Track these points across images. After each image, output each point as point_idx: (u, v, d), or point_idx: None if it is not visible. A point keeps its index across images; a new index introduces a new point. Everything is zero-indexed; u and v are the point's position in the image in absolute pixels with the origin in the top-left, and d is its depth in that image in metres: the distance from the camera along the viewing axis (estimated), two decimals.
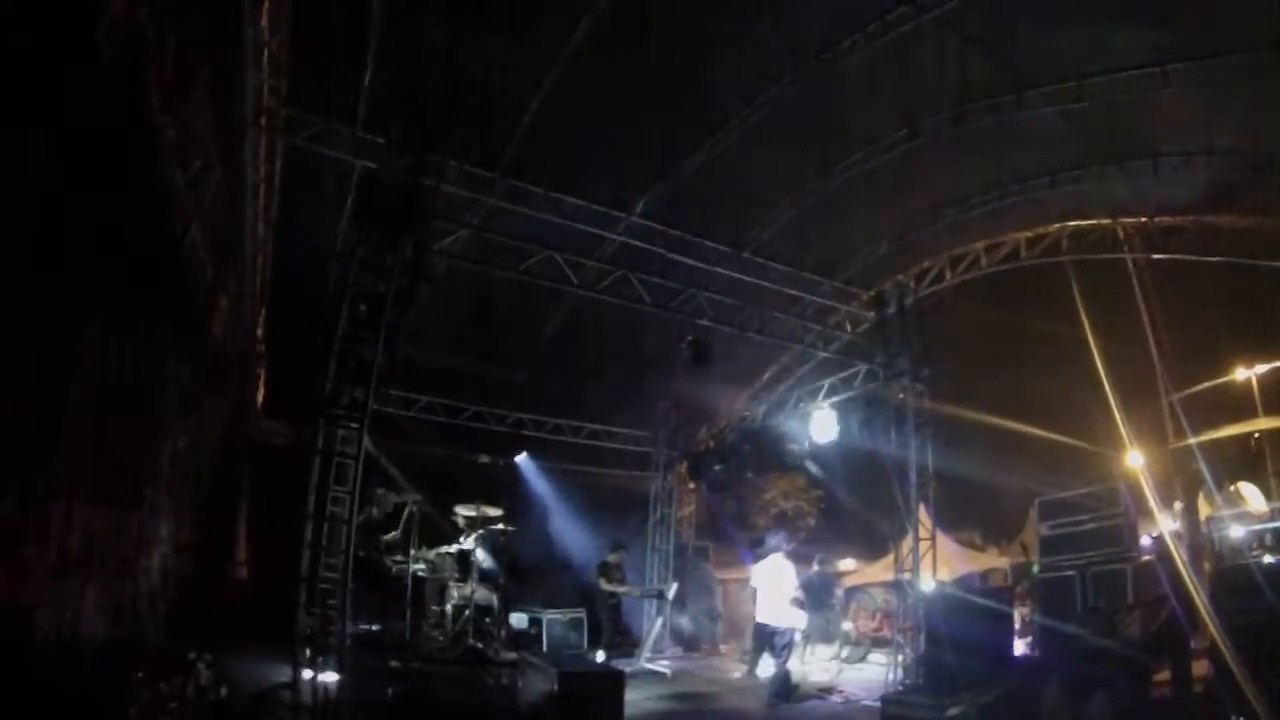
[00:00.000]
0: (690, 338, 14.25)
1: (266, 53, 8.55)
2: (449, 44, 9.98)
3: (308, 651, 8.86)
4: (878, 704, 11.22)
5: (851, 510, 21.62)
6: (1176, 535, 13.47)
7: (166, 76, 4.71)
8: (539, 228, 13.09)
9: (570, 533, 19.94)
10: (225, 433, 9.47)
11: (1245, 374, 14.62)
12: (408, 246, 10.41)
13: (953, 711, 9.10)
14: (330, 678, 9.00)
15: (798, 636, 13.52)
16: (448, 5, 9.69)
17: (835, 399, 17.54)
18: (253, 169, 9.18)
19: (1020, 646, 14.45)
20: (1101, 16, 10.30)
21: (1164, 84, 10.87)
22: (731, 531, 24.34)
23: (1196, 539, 13.78)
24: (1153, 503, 14.24)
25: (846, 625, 19.49)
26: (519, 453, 19.75)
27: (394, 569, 13.59)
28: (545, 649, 15.33)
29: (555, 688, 9.51)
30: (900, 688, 13.03)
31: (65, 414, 4.02)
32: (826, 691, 13.97)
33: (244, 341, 11.14)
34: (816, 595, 16.86)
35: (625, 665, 14.50)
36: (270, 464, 12.66)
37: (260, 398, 14.53)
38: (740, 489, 25.14)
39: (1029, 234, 15.27)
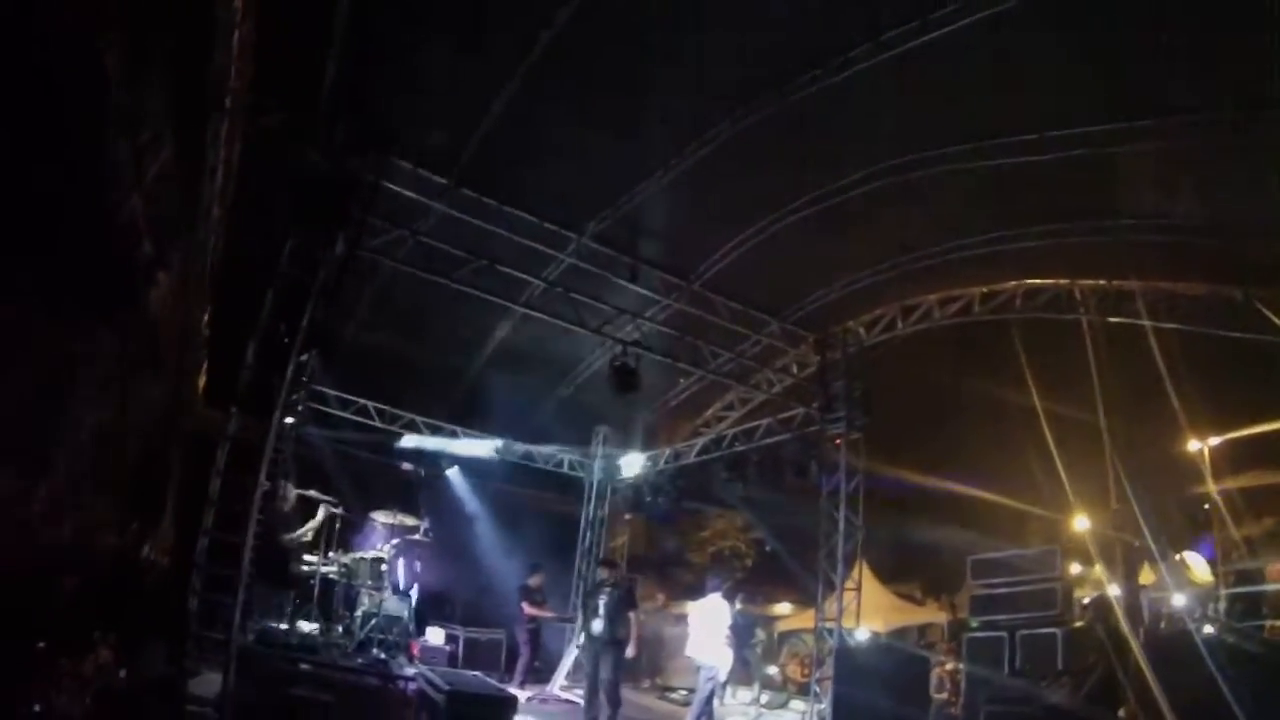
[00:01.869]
0: (616, 361, 14.23)
1: (236, 35, 8.47)
2: (410, 46, 10.01)
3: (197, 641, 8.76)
4: None
5: (789, 554, 21.54)
6: (1114, 600, 13.41)
7: (124, 46, 4.63)
8: (488, 240, 13.07)
9: (496, 552, 19.79)
10: (159, 416, 9.30)
11: (1197, 445, 14.58)
12: (340, 242, 10.36)
13: None
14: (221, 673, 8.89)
15: (721, 675, 13.47)
16: (414, 10, 9.69)
17: (770, 440, 17.56)
18: (211, 151, 9.09)
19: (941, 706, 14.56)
20: (1066, 70, 10.34)
21: (1128, 140, 10.79)
22: (666, 567, 24.36)
23: (1135, 604, 13.72)
24: (1097, 566, 14.26)
25: (771, 669, 19.48)
26: (450, 465, 19.57)
27: (304, 569, 13.41)
28: (460, 667, 15.18)
29: (443, 708, 9.43)
30: None
31: None
32: None
33: (186, 325, 10.98)
34: (738, 636, 16.84)
35: (538, 691, 14.41)
36: (205, 452, 12.54)
37: (202, 384, 14.35)
38: (679, 524, 25.11)
39: (984, 289, 15.14)
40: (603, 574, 13.83)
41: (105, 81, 4.52)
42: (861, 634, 16.38)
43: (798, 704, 16.65)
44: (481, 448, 19.44)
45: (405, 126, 11.65)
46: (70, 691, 6.28)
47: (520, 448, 20.04)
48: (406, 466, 18.31)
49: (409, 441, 18.44)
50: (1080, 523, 15.69)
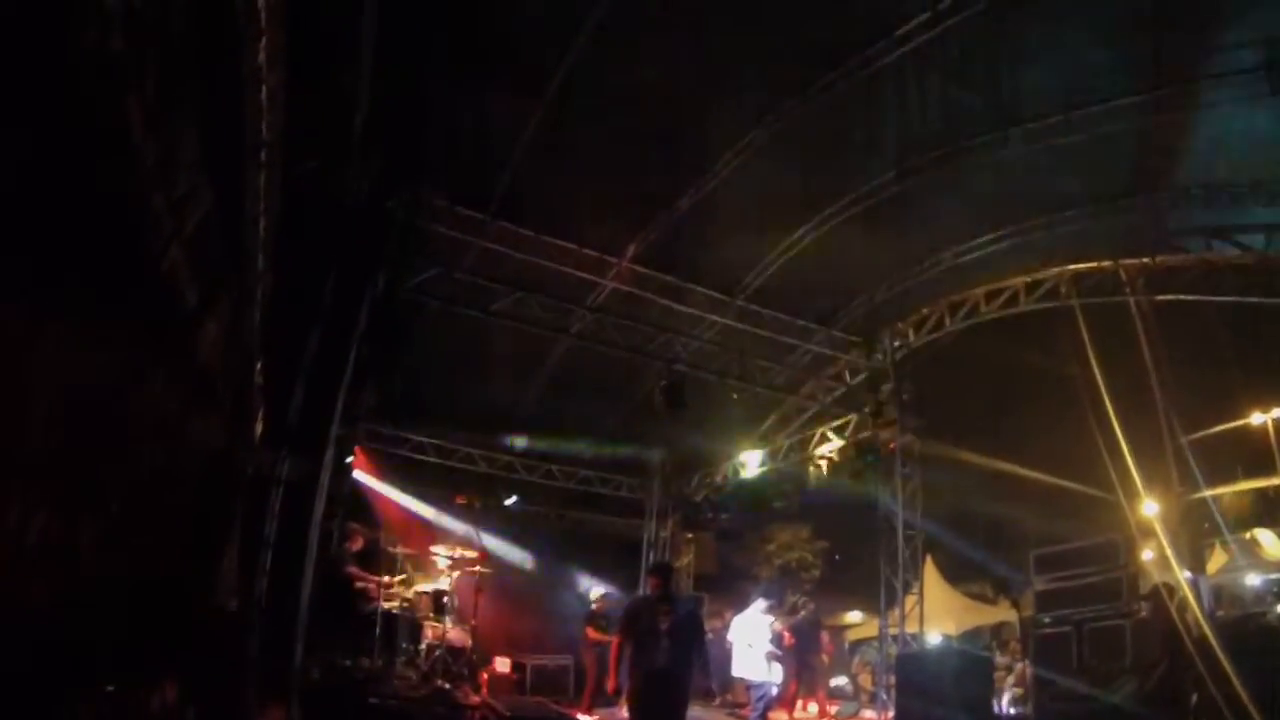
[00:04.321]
0: (664, 382, 14.28)
1: (265, 88, 8.68)
2: (437, 83, 10.18)
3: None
4: None
5: (858, 562, 21.37)
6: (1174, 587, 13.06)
7: (149, 101, 4.81)
8: (530, 271, 13.23)
9: (560, 578, 19.88)
10: (217, 461, 9.50)
11: (1261, 419, 14.22)
12: (380, 281, 10.54)
13: None
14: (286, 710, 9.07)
15: (773, 690, 13.36)
16: (436, 47, 9.86)
17: (827, 448, 17.53)
18: (251, 201, 9.30)
19: (1012, 703, 14.32)
20: (1084, 45, 10.30)
21: (1154, 110, 10.73)
22: (734, 582, 24.25)
23: (1197, 591, 13.33)
24: (1167, 552, 13.94)
25: (841, 679, 19.33)
26: (510, 496, 19.73)
27: (367, 606, 13.58)
28: (528, 694, 15.27)
29: None
30: None
31: (16, 417, 4.09)
32: None
33: (239, 372, 11.22)
34: (805, 641, 16.72)
35: (606, 715, 14.43)
36: (266, 496, 12.78)
37: (260, 429, 14.59)
38: (744, 539, 25.04)
39: (1027, 279, 14.89)
40: (651, 588, 10.12)
41: (128, 135, 4.68)
42: (933, 638, 16.23)
43: (869, 714, 16.46)
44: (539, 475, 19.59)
45: (438, 163, 11.83)
46: None
47: (580, 473, 20.15)
48: (459, 500, 18.42)
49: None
50: (1148, 508, 15.33)
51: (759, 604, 13.96)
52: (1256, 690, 8.64)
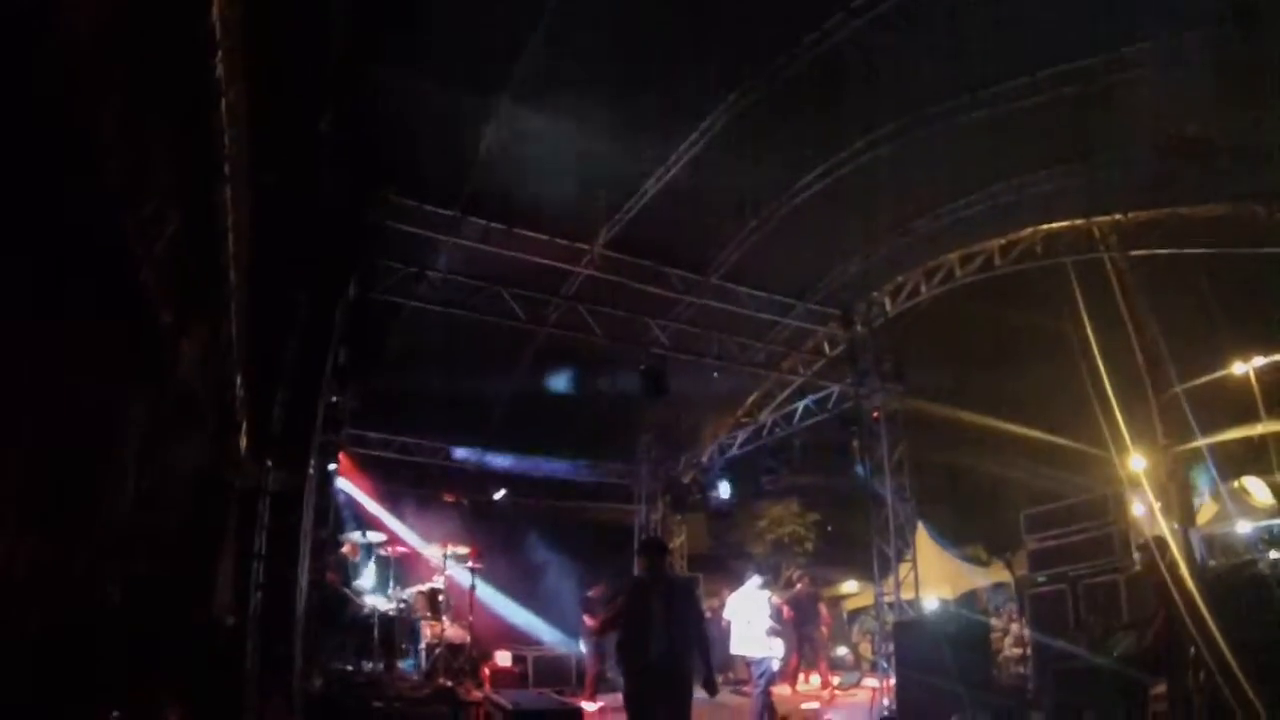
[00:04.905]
0: (643, 366, 14.28)
1: (224, 102, 8.64)
2: (399, 86, 10.17)
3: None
4: None
5: (850, 532, 21.45)
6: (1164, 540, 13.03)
7: (110, 125, 4.80)
8: (504, 265, 13.22)
9: (554, 568, 19.92)
10: (205, 477, 9.50)
11: (1243, 368, 13.99)
12: (351, 286, 10.55)
13: None
14: None
15: (775, 665, 13.39)
16: (389, 45, 9.84)
17: (809, 422, 17.61)
18: (220, 217, 9.27)
19: (1014, 664, 14.41)
20: (1049, 4, 10.20)
21: (1120, 70, 10.70)
22: (728, 561, 24.33)
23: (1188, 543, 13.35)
24: (1155, 506, 13.95)
25: (841, 649, 19.45)
26: (498, 489, 19.74)
27: (364, 609, 13.59)
28: (531, 685, 15.30)
29: None
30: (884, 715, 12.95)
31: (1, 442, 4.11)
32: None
33: (221, 387, 11.21)
34: (804, 614, 16.82)
35: (609, 700, 14.47)
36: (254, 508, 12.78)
37: (244, 442, 14.57)
38: (736, 517, 25.13)
39: (1002, 241, 14.94)
40: (641, 568, 9.48)
41: (95, 157, 4.68)
42: (930, 603, 16.32)
43: (870, 682, 16.56)
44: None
45: (405, 165, 11.81)
46: None
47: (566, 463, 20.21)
48: (447, 498, 18.39)
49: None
50: (1136, 462, 15.34)
51: (754, 580, 13.99)
52: (1248, 640, 8.67)
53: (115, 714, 5.88)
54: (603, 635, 8.79)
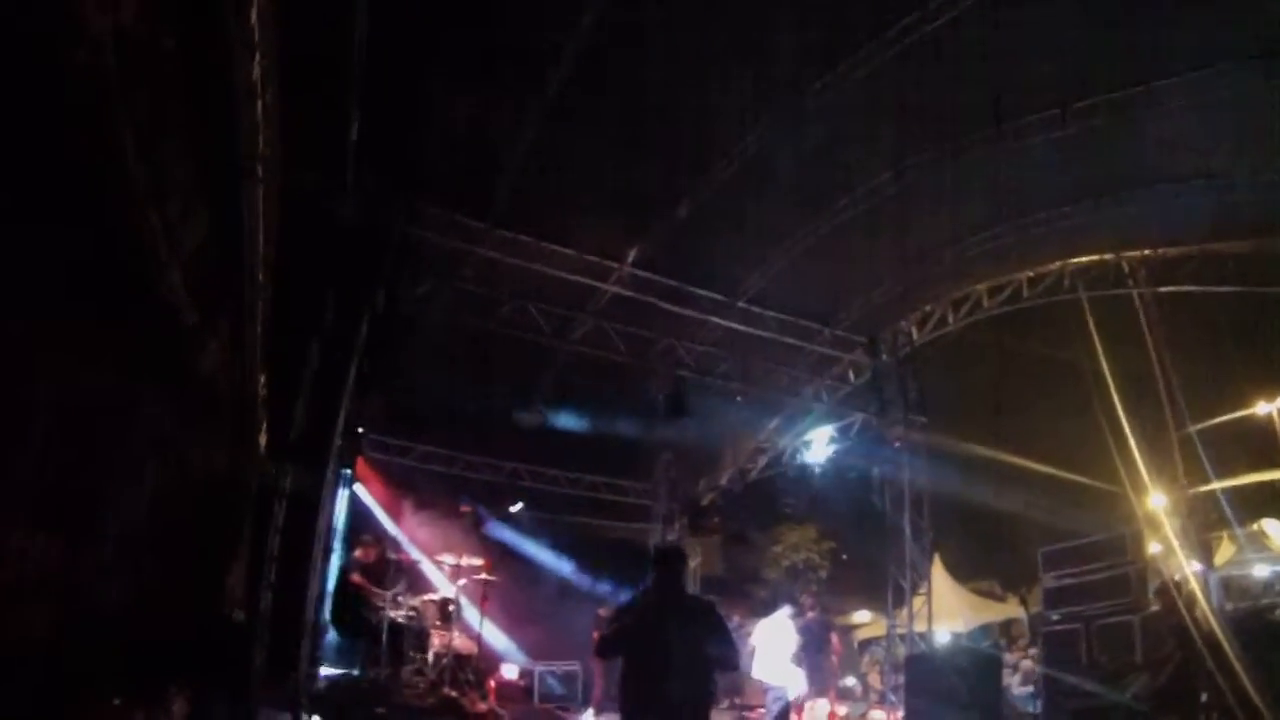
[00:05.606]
0: (667, 390, 14.24)
1: (259, 104, 8.70)
2: (432, 90, 10.21)
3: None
4: None
5: (865, 561, 21.32)
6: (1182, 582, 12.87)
7: (140, 121, 4.82)
8: (531, 278, 13.24)
9: (568, 584, 19.88)
10: (222, 477, 9.55)
11: (1266, 408, 13.75)
12: (379, 295, 10.58)
13: None
14: None
15: (790, 695, 13.29)
16: (430, 58, 9.89)
17: (831, 449, 17.55)
18: (249, 219, 9.33)
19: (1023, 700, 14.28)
20: (1080, 38, 10.21)
21: (1150, 104, 10.72)
22: (742, 585, 24.24)
23: (1205, 585, 13.20)
24: (1174, 545, 13.76)
25: (850, 680, 19.30)
26: (515, 503, 19.72)
27: (375, 616, 13.58)
28: (536, 700, 15.27)
29: None
30: None
31: (15, 442, 4.13)
32: None
33: (243, 388, 11.28)
34: (814, 642, 16.70)
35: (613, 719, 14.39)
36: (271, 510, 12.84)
37: (264, 443, 14.64)
38: (752, 541, 25.02)
39: (1030, 273, 14.95)
40: (654, 582, 6.93)
41: (121, 156, 4.70)
42: (942, 636, 16.19)
43: (877, 714, 16.42)
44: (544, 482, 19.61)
45: (435, 172, 11.85)
46: None
47: (585, 479, 20.16)
48: (464, 508, 18.33)
49: None
50: (1155, 500, 15.14)
51: (785, 609, 13.93)
52: (1266, 685, 8.60)
53: (116, 701, 5.90)
54: (603, 659, 7.55)
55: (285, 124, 8.51)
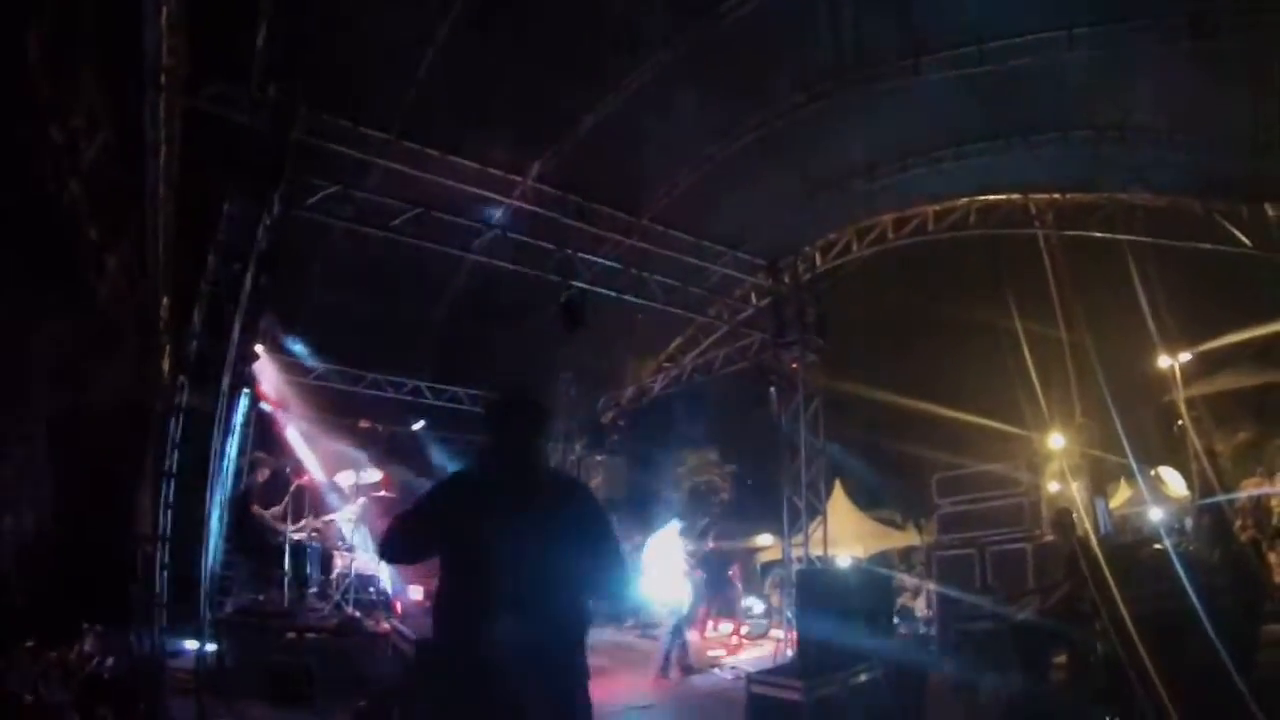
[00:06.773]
0: (563, 299, 14.03)
1: (165, 11, 8.34)
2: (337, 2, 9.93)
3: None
4: None
5: (767, 485, 21.64)
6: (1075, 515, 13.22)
7: (43, 33, 4.60)
8: (435, 192, 13.00)
9: None
10: (125, 399, 9.30)
11: (1168, 363, 14.46)
12: (274, 203, 10.34)
13: (822, 692, 8.78)
14: (210, 647, 9.06)
15: (684, 608, 13.48)
16: None
17: (730, 369, 17.71)
18: (152, 130, 8.98)
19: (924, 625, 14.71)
20: None
21: (1069, 48, 10.74)
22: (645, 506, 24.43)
23: (1094, 518, 13.62)
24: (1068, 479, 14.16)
25: (751, 600, 19.73)
26: (418, 421, 19.56)
27: (275, 538, 13.40)
28: None
29: (412, 658, 9.46)
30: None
31: None
32: (718, 666, 14.11)
33: (144, 307, 10.94)
34: (714, 572, 17.03)
35: None
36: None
37: (167, 366, 14.23)
38: (653, 462, 25.18)
39: (937, 207, 15.05)
40: (489, 450, 4.57)
41: (25, 70, 4.49)
42: (842, 561, 16.56)
43: (777, 632, 16.76)
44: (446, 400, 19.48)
45: (341, 84, 11.52)
46: (58, 681, 6.37)
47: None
48: (363, 424, 18.06)
49: None
50: (1055, 440, 15.55)
51: (674, 524, 14.08)
52: (1141, 609, 8.94)
53: (29, 644, 5.78)
54: (391, 562, 5.66)
55: (193, 35, 8.19)
